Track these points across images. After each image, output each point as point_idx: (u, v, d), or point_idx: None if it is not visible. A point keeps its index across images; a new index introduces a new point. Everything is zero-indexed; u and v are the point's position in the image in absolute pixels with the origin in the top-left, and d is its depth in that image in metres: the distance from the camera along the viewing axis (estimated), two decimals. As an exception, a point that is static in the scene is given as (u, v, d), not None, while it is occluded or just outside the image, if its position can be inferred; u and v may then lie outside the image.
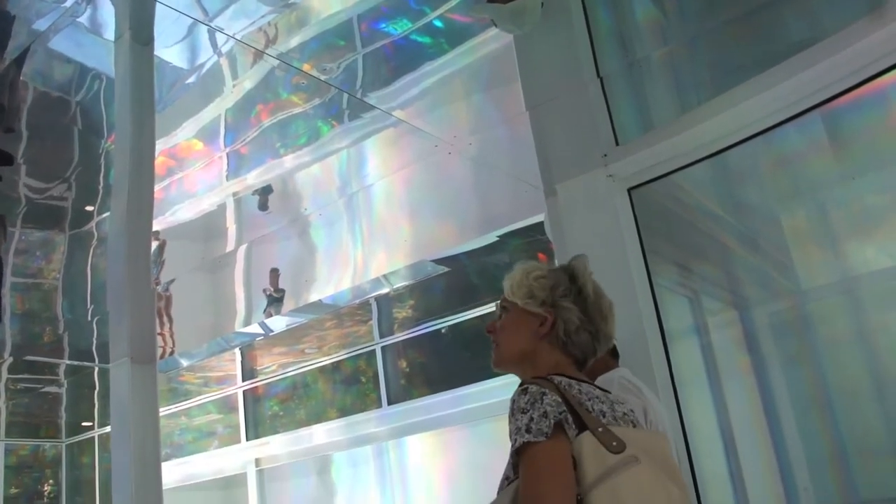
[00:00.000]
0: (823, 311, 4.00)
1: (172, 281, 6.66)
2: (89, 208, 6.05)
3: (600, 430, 1.67)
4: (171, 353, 8.58)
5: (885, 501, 3.62)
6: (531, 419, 1.65)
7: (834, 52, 2.95)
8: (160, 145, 5.36)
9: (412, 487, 12.66)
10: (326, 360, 13.29)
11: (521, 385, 1.74)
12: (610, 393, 1.90)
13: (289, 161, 5.84)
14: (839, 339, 3.83)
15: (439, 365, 11.73)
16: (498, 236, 6.67)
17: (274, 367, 13.95)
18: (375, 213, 6.26)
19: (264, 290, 7.51)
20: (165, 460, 13.82)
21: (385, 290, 8.92)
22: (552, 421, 1.65)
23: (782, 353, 4.02)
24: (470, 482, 11.37)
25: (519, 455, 1.68)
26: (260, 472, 14.72)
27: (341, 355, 13.01)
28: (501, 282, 2.01)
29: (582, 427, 1.67)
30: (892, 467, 3.59)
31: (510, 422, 1.70)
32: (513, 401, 1.72)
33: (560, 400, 1.68)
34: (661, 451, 1.78)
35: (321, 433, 13.19)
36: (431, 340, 11.89)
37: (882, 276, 3.80)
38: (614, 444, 1.66)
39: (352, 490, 13.78)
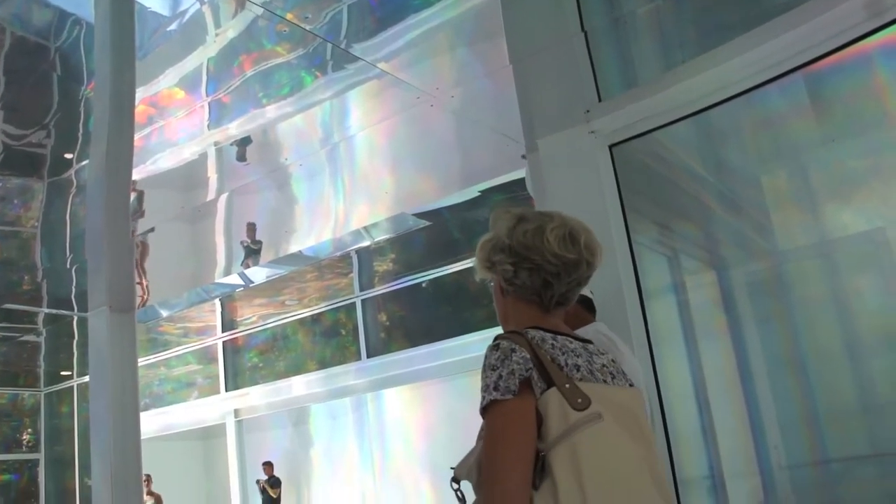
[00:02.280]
0: (800, 273, 4.03)
1: (149, 231, 6.62)
2: (68, 156, 5.99)
3: (567, 386, 1.68)
4: (145, 304, 8.55)
5: (852, 459, 3.68)
6: (500, 376, 1.66)
7: (818, 14, 2.94)
8: (141, 93, 5.29)
9: (390, 439, 12.79)
10: (306, 313, 13.32)
11: (494, 339, 1.75)
12: (591, 343, 1.88)
13: (271, 111, 5.79)
14: (814, 300, 3.87)
15: (419, 319, 11.79)
16: (479, 191, 6.67)
17: (254, 319, 13.97)
18: (358, 165, 6.23)
19: (241, 242, 7.48)
20: (144, 410, 13.86)
21: (366, 243, 8.92)
22: (518, 379, 1.66)
23: (758, 313, 4.05)
24: (447, 435, 11.46)
25: (485, 412, 1.69)
26: (239, 423, 14.81)
27: (321, 308, 13.04)
28: (481, 237, 2.00)
29: (550, 383, 1.68)
30: (860, 427, 3.65)
31: (481, 378, 1.71)
32: (486, 356, 1.73)
33: (528, 356, 1.68)
34: (630, 408, 1.77)
35: (300, 385, 13.27)
36: (411, 294, 11.94)
37: (858, 239, 3.83)
38: (579, 400, 1.67)
39: (330, 441, 13.90)
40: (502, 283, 1.88)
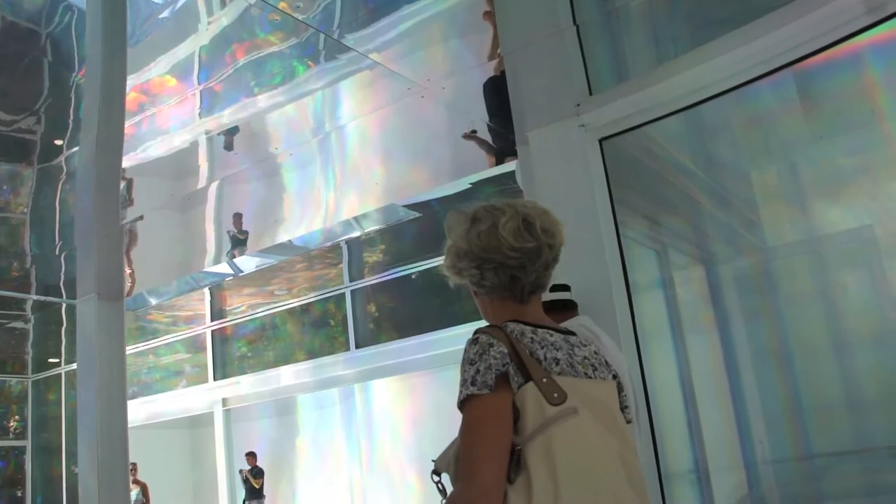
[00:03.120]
0: (787, 269, 4.05)
1: (137, 219, 6.60)
2: (58, 142, 5.97)
3: (544, 380, 1.68)
4: (131, 293, 8.51)
5: (836, 454, 3.70)
6: (477, 371, 1.67)
7: (809, 11, 2.95)
8: (132, 80, 5.28)
9: (377, 430, 12.81)
10: (296, 303, 13.32)
11: (474, 333, 1.75)
12: (574, 335, 1.88)
13: (263, 100, 5.78)
14: (801, 296, 3.89)
15: (408, 310, 11.79)
16: (470, 183, 6.66)
17: (243, 308, 13.95)
18: (349, 155, 6.22)
19: (228, 232, 7.47)
20: (132, 398, 13.82)
21: (356, 234, 8.90)
22: (495, 374, 1.66)
23: (745, 308, 4.07)
24: (434, 427, 11.47)
25: (462, 406, 1.70)
26: (227, 412, 14.80)
27: (310, 298, 13.03)
28: (445, 244, 2.01)
29: (527, 377, 1.68)
30: (844, 422, 3.67)
31: (460, 372, 1.72)
32: (465, 350, 1.73)
33: (506, 351, 1.69)
34: (605, 402, 1.78)
35: (289, 375, 13.27)
36: (401, 285, 11.94)
37: (846, 236, 3.85)
38: (555, 395, 1.67)
39: (317, 431, 13.91)
40: (473, 287, 1.88)
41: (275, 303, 13.39)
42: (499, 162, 4.94)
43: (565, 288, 3.02)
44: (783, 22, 3.01)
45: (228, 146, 6.27)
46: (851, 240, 3.81)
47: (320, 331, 13.06)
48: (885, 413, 3.55)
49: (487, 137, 5.05)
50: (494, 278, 1.83)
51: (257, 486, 13.33)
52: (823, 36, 2.97)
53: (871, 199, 3.78)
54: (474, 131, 4.99)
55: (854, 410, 3.67)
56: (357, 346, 12.18)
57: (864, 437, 3.62)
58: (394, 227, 9.05)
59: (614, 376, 1.88)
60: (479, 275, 1.85)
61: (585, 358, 1.82)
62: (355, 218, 7.70)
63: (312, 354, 12.96)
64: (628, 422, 1.88)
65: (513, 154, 4.65)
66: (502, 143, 4.87)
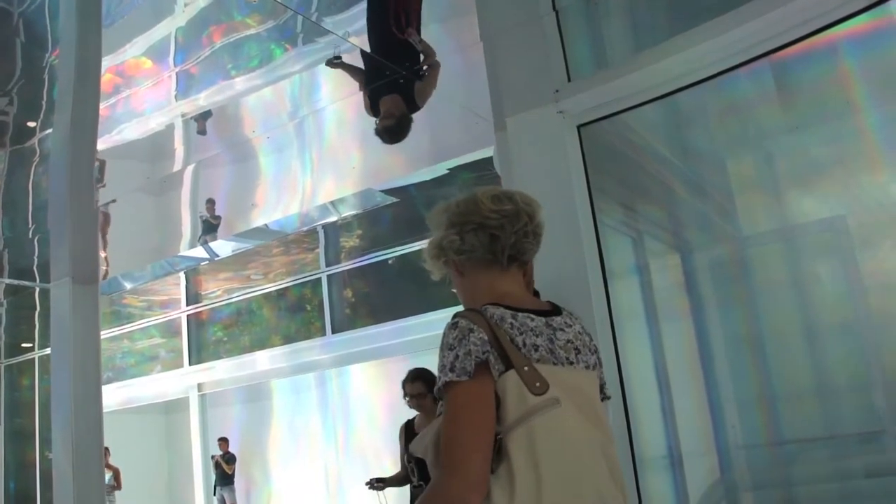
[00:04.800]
0: (762, 258, 4.08)
1: (110, 202, 6.56)
2: (31, 124, 5.90)
3: (526, 369, 1.68)
4: (105, 276, 8.45)
5: (806, 440, 3.75)
6: (456, 357, 1.66)
7: (787, 1, 2.96)
8: (107, 62, 5.22)
9: (353, 415, 12.81)
10: (272, 287, 13.27)
11: (453, 317, 1.75)
12: (558, 316, 1.87)
13: (240, 83, 5.75)
14: (775, 285, 3.92)
15: (384, 295, 11.78)
16: (448, 169, 6.67)
17: (219, 293, 13.89)
18: (326, 139, 6.21)
19: (201, 217, 7.43)
20: (107, 383, 13.73)
21: (333, 218, 8.89)
22: (475, 361, 1.65)
23: (720, 296, 4.09)
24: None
25: (442, 393, 1.69)
26: (202, 397, 14.75)
27: (287, 282, 12.99)
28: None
29: (509, 365, 1.68)
30: (815, 409, 3.72)
31: (439, 357, 1.71)
32: (444, 335, 1.73)
33: (486, 338, 1.68)
34: (587, 392, 1.78)
35: (264, 359, 13.23)
36: (377, 271, 11.92)
37: (820, 226, 3.88)
38: (537, 384, 1.67)
39: (293, 416, 13.90)
40: (455, 258, 1.88)
41: (251, 287, 13.34)
42: (373, 100, 4.86)
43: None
44: (762, 11, 3.02)
45: (202, 131, 6.24)
46: (825, 229, 3.84)
47: (296, 316, 13.03)
48: (854, 401, 3.59)
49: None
50: (474, 239, 1.84)
51: (229, 472, 13.32)
52: (802, 25, 2.99)
53: (845, 189, 3.82)
54: (338, 57, 4.99)
55: (824, 397, 3.71)
56: (333, 331, 12.17)
57: (833, 424, 3.66)
58: (371, 211, 9.04)
59: (597, 358, 1.88)
60: (460, 240, 1.85)
61: (569, 341, 1.81)
62: (332, 202, 7.70)
63: (288, 339, 12.93)
64: (608, 397, 1.89)
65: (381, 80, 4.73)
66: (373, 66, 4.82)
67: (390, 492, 5.70)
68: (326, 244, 11.94)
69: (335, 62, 5.09)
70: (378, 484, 5.32)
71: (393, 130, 4.97)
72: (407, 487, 5.35)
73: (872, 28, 3.17)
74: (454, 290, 2.03)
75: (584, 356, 1.82)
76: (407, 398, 5.24)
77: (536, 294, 2.02)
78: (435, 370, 1.72)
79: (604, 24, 3.92)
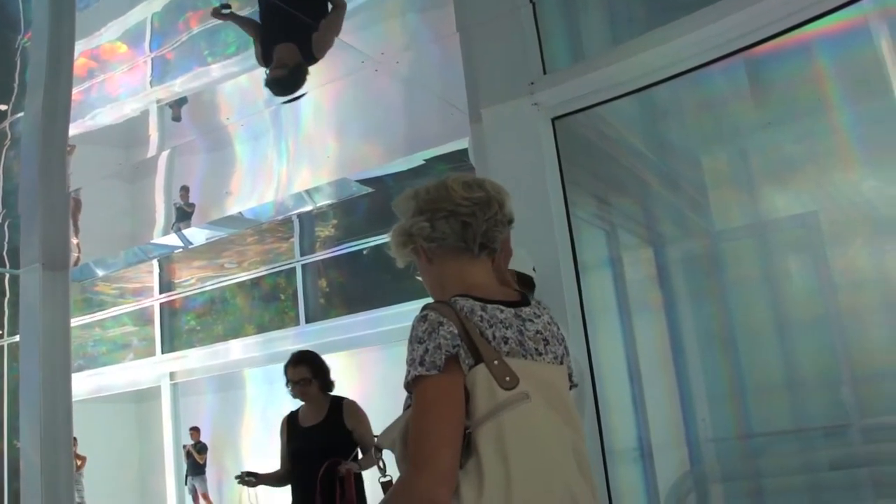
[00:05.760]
0: (734, 252, 4.12)
1: (79, 189, 6.50)
2: (2, 107, 5.82)
3: (496, 362, 1.66)
4: (77, 263, 8.36)
5: (775, 434, 3.79)
6: (426, 350, 1.64)
7: (762, -1, 2.98)
8: (81, 46, 5.17)
9: (326, 405, 12.80)
10: (246, 276, 13.21)
11: (422, 309, 1.74)
12: (527, 306, 1.85)
13: (216, 70, 5.70)
14: (746, 279, 3.96)
15: (359, 285, 11.76)
16: (424, 160, 6.65)
17: (192, 281, 13.80)
18: (302, 127, 6.17)
19: (174, 204, 7.37)
20: (78, 371, 13.61)
21: (308, 208, 8.86)
22: (444, 354, 1.64)
23: (692, 289, 4.12)
24: (383, 402, 11.40)
25: (411, 387, 1.69)
26: (174, 386, 14.66)
27: (261, 271, 12.94)
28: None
29: (478, 359, 1.66)
30: (784, 402, 3.76)
31: (407, 350, 1.69)
32: (413, 327, 1.70)
33: (456, 332, 1.66)
34: (557, 387, 1.77)
35: (238, 349, 13.17)
36: (352, 261, 11.90)
37: (791, 222, 3.92)
38: (507, 378, 1.65)
39: (265, 406, 13.82)
40: (424, 246, 1.85)
41: (225, 276, 13.27)
42: (266, 48, 4.63)
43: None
44: (737, 8, 3.04)
45: (176, 117, 6.18)
46: (797, 225, 3.88)
47: (270, 305, 12.99)
48: (822, 395, 3.64)
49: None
50: (446, 226, 1.82)
51: (201, 462, 13.26)
52: (777, 22, 3.01)
53: (817, 186, 3.86)
54: (227, 6, 4.74)
55: (793, 391, 3.75)
56: (307, 321, 12.14)
57: (801, 418, 3.71)
58: (346, 201, 9.01)
59: (565, 349, 1.87)
60: (430, 227, 1.83)
61: (538, 332, 1.79)
62: (307, 191, 7.66)
63: (262, 329, 12.89)
64: (575, 385, 1.88)
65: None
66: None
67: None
68: (301, 233, 11.90)
69: (223, 13, 4.77)
70: (249, 478, 4.54)
71: (284, 82, 4.63)
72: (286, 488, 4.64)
73: (846, 27, 3.20)
74: (419, 278, 2.01)
75: (552, 347, 1.81)
76: (289, 385, 4.56)
77: (522, 279, 2.01)
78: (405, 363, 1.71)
79: (580, 17, 3.93)
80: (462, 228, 1.82)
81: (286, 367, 4.59)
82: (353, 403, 4.63)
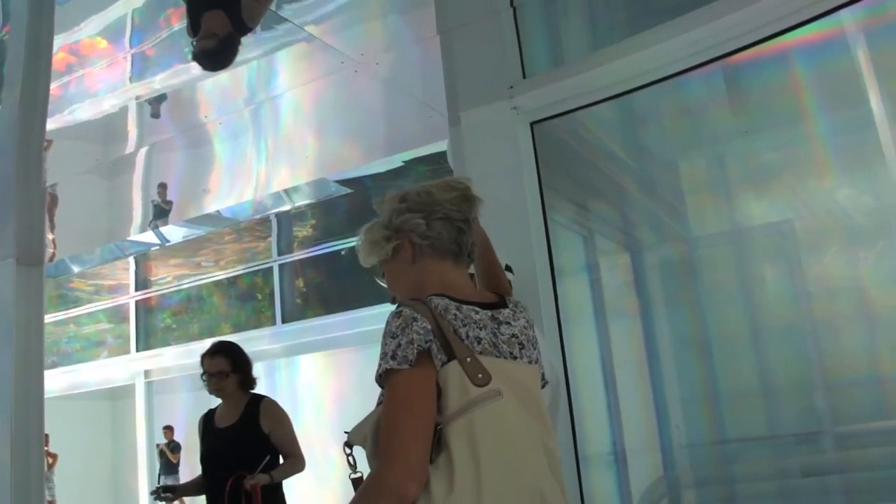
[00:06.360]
0: (710, 259, 4.14)
1: (54, 185, 6.44)
2: (-21, 100, 5.76)
3: (468, 360, 1.67)
4: (53, 259, 8.29)
5: (748, 440, 3.81)
6: (398, 345, 1.64)
7: (741, 7, 2.99)
8: (61, 40, 5.13)
9: (302, 406, 12.72)
10: (222, 275, 13.14)
11: (398, 305, 1.73)
12: (505, 309, 1.85)
13: (196, 67, 5.68)
14: (721, 286, 3.98)
15: (336, 286, 11.73)
16: (403, 161, 6.66)
17: (169, 279, 13.73)
18: (282, 127, 6.15)
19: (152, 201, 7.33)
20: (51, 368, 13.49)
21: (286, 207, 8.84)
22: (417, 349, 1.64)
23: (668, 295, 4.14)
24: (359, 403, 11.41)
25: (383, 381, 1.69)
26: (149, 384, 14.56)
27: (238, 270, 12.88)
28: (364, 227, 2.02)
29: (451, 356, 1.66)
30: (758, 409, 3.78)
31: (381, 345, 1.69)
32: (387, 322, 1.70)
33: (430, 327, 1.66)
34: (529, 386, 1.77)
35: (214, 348, 13.13)
36: (330, 261, 11.86)
37: (767, 229, 3.95)
38: (479, 376, 1.66)
39: (240, 406, 13.82)
40: (417, 242, 1.85)
41: (201, 274, 13.21)
42: (193, 17, 4.27)
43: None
44: (716, 16, 3.05)
45: (155, 114, 6.14)
46: (772, 233, 3.91)
47: (247, 304, 12.94)
48: (795, 402, 3.67)
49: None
50: (442, 228, 1.84)
51: (174, 461, 13.17)
52: (755, 31, 3.03)
53: (793, 194, 3.89)
54: None
55: (766, 398, 3.78)
56: (283, 321, 12.10)
57: (774, 424, 3.73)
58: (325, 201, 9.01)
59: (539, 352, 1.88)
60: (426, 224, 1.83)
61: (513, 336, 1.79)
62: (286, 191, 7.64)
63: (238, 328, 12.83)
64: (546, 383, 1.89)
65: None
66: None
67: None
68: (279, 233, 11.87)
69: None
70: (165, 494, 4.16)
71: (213, 54, 4.16)
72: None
73: (823, 38, 3.22)
74: (381, 281, 2.01)
75: (527, 351, 1.81)
76: (205, 376, 4.12)
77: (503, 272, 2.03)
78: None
79: (561, 21, 3.93)
80: (458, 234, 1.84)
81: (203, 356, 4.17)
82: (272, 403, 4.19)
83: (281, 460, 3.99)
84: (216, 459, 4.01)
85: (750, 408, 3.79)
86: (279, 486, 3.95)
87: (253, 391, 4.20)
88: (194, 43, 4.11)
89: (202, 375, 4.15)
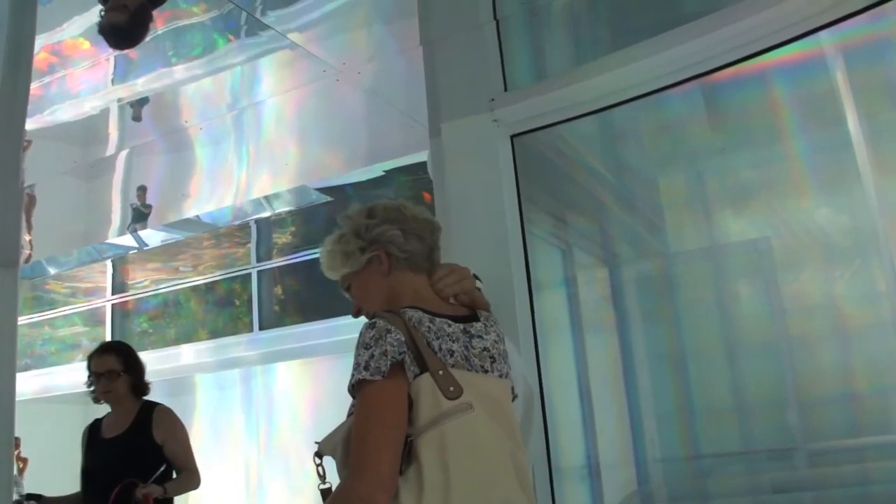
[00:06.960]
0: (687, 275, 4.16)
1: (32, 185, 6.40)
2: (-42, 98, 5.72)
3: (441, 372, 1.68)
4: (28, 260, 8.22)
5: (723, 455, 3.83)
6: (372, 356, 1.65)
7: (721, 26, 3.02)
8: (42, 40, 5.10)
9: (277, 414, 12.66)
10: (200, 280, 13.07)
11: (372, 316, 1.74)
12: (477, 322, 1.87)
13: (180, 71, 5.67)
14: (698, 302, 4.00)
15: (314, 294, 11.69)
16: (384, 171, 6.67)
17: (146, 283, 13.63)
18: (263, 133, 6.15)
19: (131, 204, 7.29)
20: (25, 371, 13.35)
21: (266, 214, 8.81)
22: (390, 361, 1.65)
23: (645, 311, 4.16)
24: (335, 412, 11.26)
25: (355, 391, 1.68)
26: (124, 389, 14.44)
27: (216, 276, 12.81)
28: (328, 238, 2.03)
29: (424, 368, 1.67)
30: (732, 425, 3.80)
31: (354, 355, 1.70)
32: (361, 333, 1.72)
33: (403, 339, 1.67)
34: (500, 400, 1.78)
35: (190, 353, 12.99)
36: (308, 269, 11.81)
37: (745, 246, 3.97)
38: (451, 388, 1.67)
39: (215, 412, 13.67)
40: (396, 253, 1.87)
41: (179, 279, 13.12)
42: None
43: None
44: (698, 34, 3.08)
45: (137, 117, 6.12)
46: (750, 250, 3.93)
47: (224, 310, 12.86)
48: (769, 418, 3.68)
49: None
50: (417, 243, 1.87)
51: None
52: (736, 50, 3.06)
53: (771, 212, 3.91)
54: None
55: (740, 414, 3.79)
56: (261, 328, 12.04)
57: (748, 440, 3.75)
58: (305, 209, 8.99)
59: (509, 366, 1.88)
60: (402, 237, 1.86)
61: (485, 349, 1.81)
62: (266, 197, 7.63)
63: (215, 334, 12.74)
64: (515, 396, 1.90)
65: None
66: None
67: None
68: (258, 239, 11.82)
69: None
70: (29, 502, 3.84)
71: (121, 30, 3.64)
72: None
73: (802, 58, 3.25)
74: (346, 293, 2.01)
75: (498, 365, 1.82)
76: (91, 378, 3.80)
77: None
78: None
79: (544, 35, 3.95)
80: (429, 251, 1.87)
81: (89, 357, 3.87)
82: (166, 410, 3.96)
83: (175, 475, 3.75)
84: (100, 472, 3.78)
85: (724, 423, 3.81)
86: (171, 502, 3.70)
87: (146, 398, 3.92)
88: (102, 14, 3.66)
89: (88, 378, 3.84)
